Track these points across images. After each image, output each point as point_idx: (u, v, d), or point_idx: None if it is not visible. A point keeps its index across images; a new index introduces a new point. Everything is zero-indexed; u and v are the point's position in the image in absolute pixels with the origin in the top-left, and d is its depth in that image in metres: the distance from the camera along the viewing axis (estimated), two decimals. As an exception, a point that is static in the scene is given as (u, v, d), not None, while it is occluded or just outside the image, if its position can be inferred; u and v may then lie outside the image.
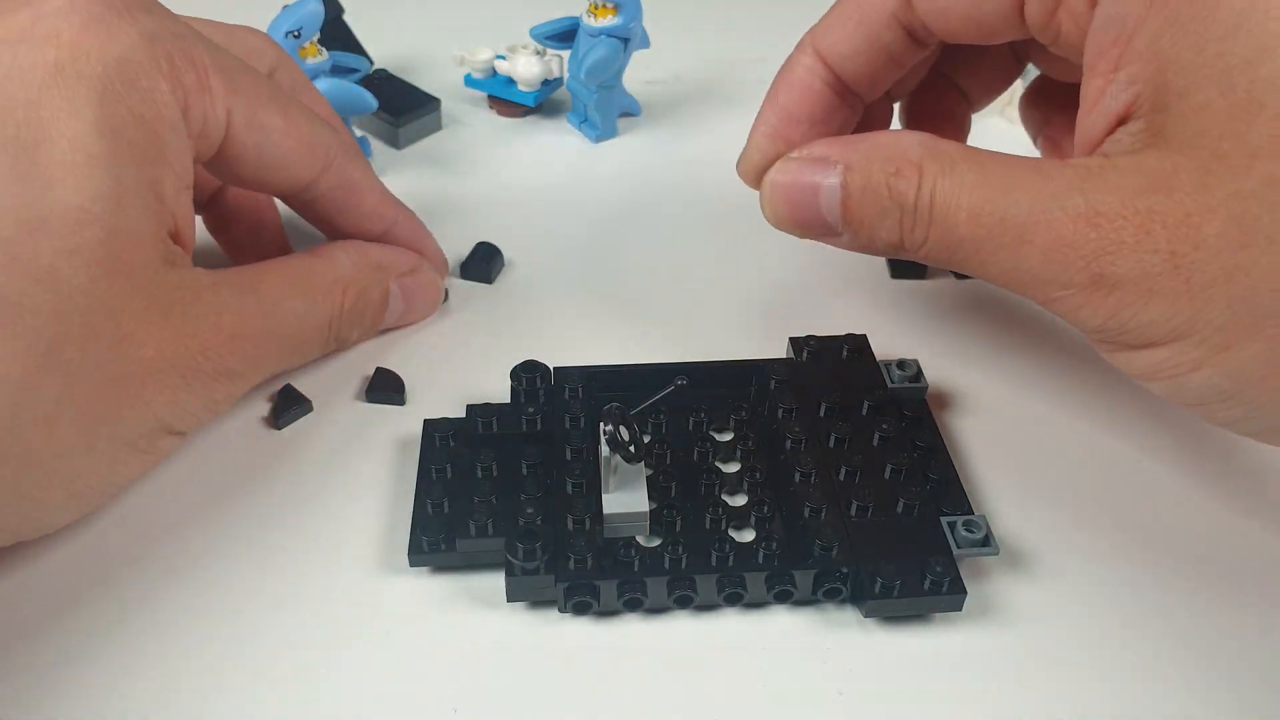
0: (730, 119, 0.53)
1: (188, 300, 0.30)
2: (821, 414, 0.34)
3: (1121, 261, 0.25)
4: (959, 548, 0.30)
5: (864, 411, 0.34)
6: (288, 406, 0.35)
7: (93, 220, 0.27)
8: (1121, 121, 0.27)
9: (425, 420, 0.34)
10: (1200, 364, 0.25)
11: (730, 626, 0.30)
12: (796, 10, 0.63)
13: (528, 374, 0.34)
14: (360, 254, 0.37)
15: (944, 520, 0.30)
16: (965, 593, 0.29)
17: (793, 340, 0.37)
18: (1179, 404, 0.27)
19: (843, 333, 0.37)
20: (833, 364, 0.36)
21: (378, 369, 0.37)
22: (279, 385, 0.36)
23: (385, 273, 0.38)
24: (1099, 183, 0.26)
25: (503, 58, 0.51)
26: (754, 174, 0.33)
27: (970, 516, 0.30)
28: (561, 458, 0.32)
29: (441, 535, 0.30)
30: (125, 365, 0.28)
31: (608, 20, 0.48)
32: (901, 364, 0.36)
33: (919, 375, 0.35)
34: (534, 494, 0.31)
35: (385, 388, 0.37)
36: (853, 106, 0.35)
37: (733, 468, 0.33)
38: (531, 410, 0.33)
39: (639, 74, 0.54)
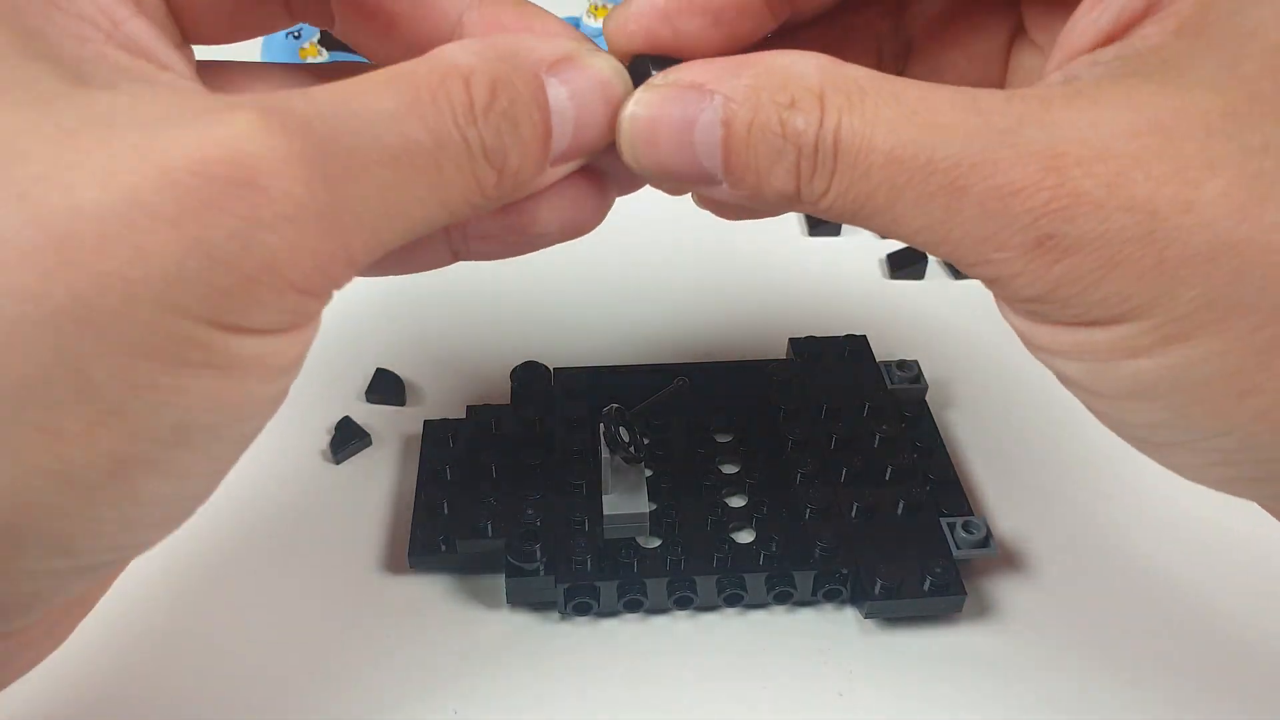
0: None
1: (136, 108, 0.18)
2: (822, 415, 0.34)
3: (1083, 220, 0.20)
4: (958, 549, 0.30)
5: (864, 412, 0.34)
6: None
7: None
8: (1134, 24, 0.21)
9: (425, 421, 0.34)
10: (1141, 352, 0.20)
11: (730, 627, 0.30)
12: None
13: (528, 374, 0.34)
14: (481, 43, 0.22)
15: (944, 521, 0.30)
16: (965, 594, 0.29)
17: (793, 341, 0.37)
18: (1096, 392, 0.22)
19: (843, 333, 0.37)
20: (833, 365, 0.36)
21: (378, 369, 0.37)
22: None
23: (525, 61, 0.23)
24: (1071, 115, 0.20)
25: (502, 57, 0.51)
26: (621, 49, 0.25)
27: (970, 518, 0.30)
28: (562, 459, 0.32)
29: (442, 536, 0.30)
30: (53, 226, 0.16)
31: None
32: (902, 365, 0.36)
33: (919, 376, 0.35)
34: (534, 495, 0.31)
35: (385, 389, 0.37)
36: (775, 12, 0.26)
37: (733, 469, 0.33)
38: (531, 411, 0.33)
39: (638, 73, 0.53)
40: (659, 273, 0.43)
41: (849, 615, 0.30)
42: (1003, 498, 0.34)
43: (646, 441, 0.32)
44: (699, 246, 0.44)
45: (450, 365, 0.38)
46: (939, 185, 0.20)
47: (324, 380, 0.37)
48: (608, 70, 0.23)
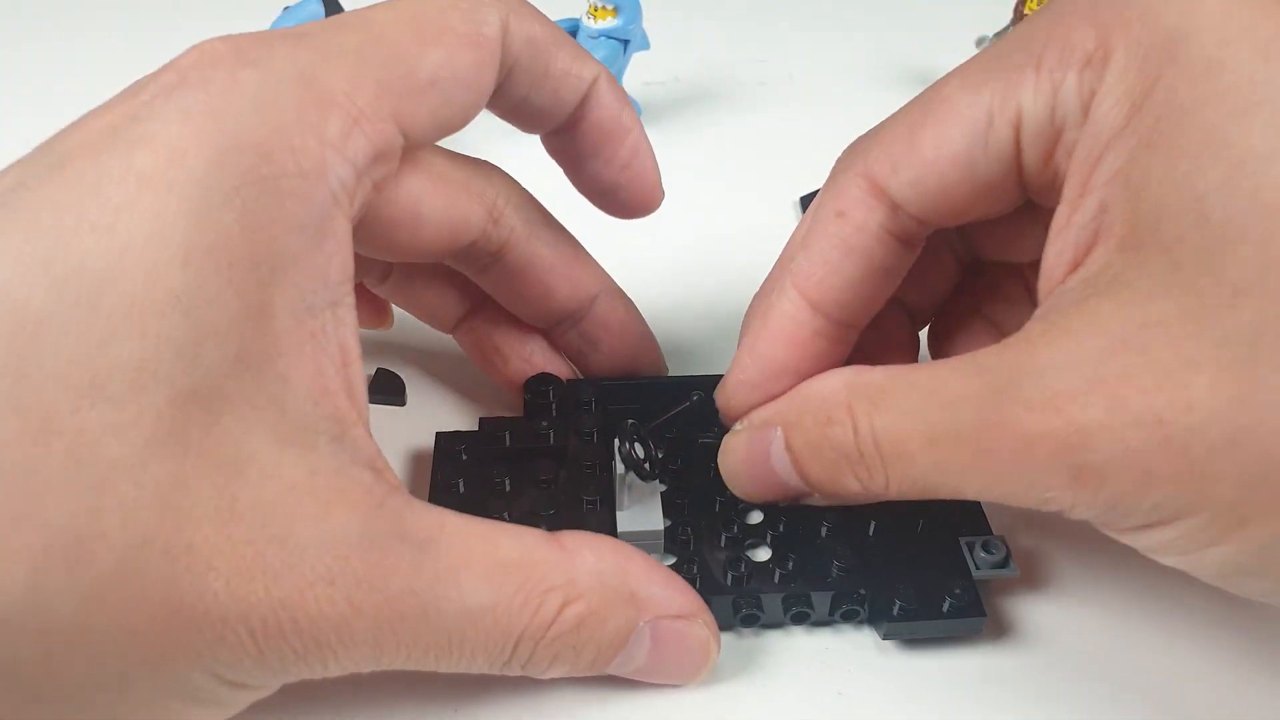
0: (730, 120, 0.53)
1: (286, 509, 0.22)
2: None
3: (1101, 446, 0.21)
4: (978, 569, 0.29)
5: None
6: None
7: (152, 381, 0.21)
8: (1085, 253, 0.23)
9: (437, 433, 0.33)
10: (1216, 540, 0.21)
11: (744, 646, 0.30)
12: (794, 12, 0.63)
13: (541, 386, 0.34)
14: (616, 560, 0.26)
15: (963, 541, 0.30)
16: (985, 615, 0.29)
17: None
18: (1200, 577, 0.23)
19: None
20: None
21: (378, 369, 0.37)
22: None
23: (640, 606, 0.26)
24: (1052, 353, 0.22)
25: (503, 58, 0.50)
26: (735, 419, 0.30)
27: (989, 537, 0.30)
28: (576, 473, 0.32)
29: None
30: (178, 593, 0.21)
31: (607, 22, 0.48)
32: None
33: None
34: (547, 511, 0.30)
35: (385, 388, 0.36)
36: (847, 341, 0.30)
37: (751, 512, 0.33)
38: (545, 424, 0.33)
39: (639, 75, 0.53)
40: (662, 275, 0.42)
41: (866, 636, 0.30)
42: (1023, 517, 0.33)
43: (661, 456, 0.31)
44: (704, 249, 0.44)
45: (451, 366, 0.38)
46: (972, 453, 0.23)
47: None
48: (709, 642, 0.27)
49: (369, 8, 0.26)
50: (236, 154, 0.22)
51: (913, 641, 0.30)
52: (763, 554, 0.31)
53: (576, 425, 0.33)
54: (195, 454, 0.21)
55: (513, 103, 0.29)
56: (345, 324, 0.24)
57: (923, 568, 0.30)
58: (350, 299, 0.24)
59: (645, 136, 0.31)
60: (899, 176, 0.26)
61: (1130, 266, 0.22)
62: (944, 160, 0.26)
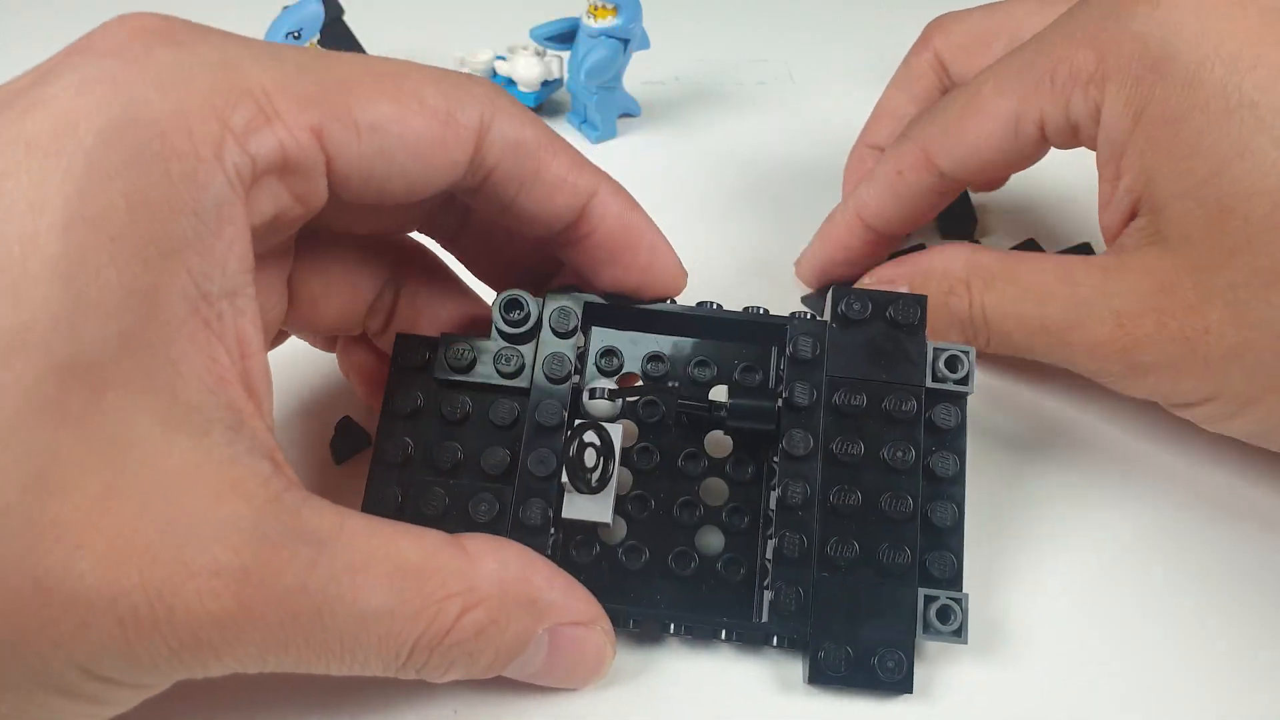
0: (730, 119, 0.52)
1: (171, 494, 0.21)
2: (833, 401, 0.30)
3: (1149, 352, 0.31)
4: (925, 631, 0.28)
5: (884, 422, 0.30)
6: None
7: (26, 348, 0.20)
8: (1131, 218, 0.32)
9: (398, 335, 0.31)
10: (1234, 415, 0.31)
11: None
12: (794, 12, 0.62)
13: (513, 311, 0.30)
14: (520, 568, 0.26)
15: (923, 593, 0.28)
16: (910, 691, 0.28)
17: (835, 291, 0.31)
18: (1236, 437, 0.32)
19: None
20: (869, 337, 0.31)
21: (344, 418, 0.35)
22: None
23: (540, 613, 0.26)
24: (1118, 286, 0.31)
25: (503, 58, 0.50)
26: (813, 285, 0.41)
27: (951, 598, 0.28)
28: (535, 426, 0.29)
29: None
30: (38, 569, 0.20)
31: (607, 21, 0.47)
32: (952, 360, 0.30)
33: (968, 377, 0.30)
34: (492, 483, 0.29)
35: (350, 437, 0.35)
36: (886, 245, 0.39)
37: (714, 477, 0.31)
38: (510, 356, 0.30)
39: (639, 75, 0.52)
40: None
41: (797, 668, 0.30)
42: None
43: (613, 469, 0.29)
44: (704, 249, 0.41)
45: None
46: (1054, 340, 0.33)
47: (324, 380, 0.36)
48: (605, 648, 0.28)
49: (347, 54, 0.25)
50: (128, 127, 0.21)
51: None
52: (716, 542, 0.31)
53: (548, 350, 0.30)
54: (73, 427, 0.20)
55: (501, 204, 0.28)
56: (244, 314, 0.23)
57: (869, 615, 0.28)
58: (251, 290, 0.23)
59: (658, 232, 0.30)
60: (948, 156, 0.35)
61: (1160, 228, 0.30)
62: (983, 148, 0.34)
